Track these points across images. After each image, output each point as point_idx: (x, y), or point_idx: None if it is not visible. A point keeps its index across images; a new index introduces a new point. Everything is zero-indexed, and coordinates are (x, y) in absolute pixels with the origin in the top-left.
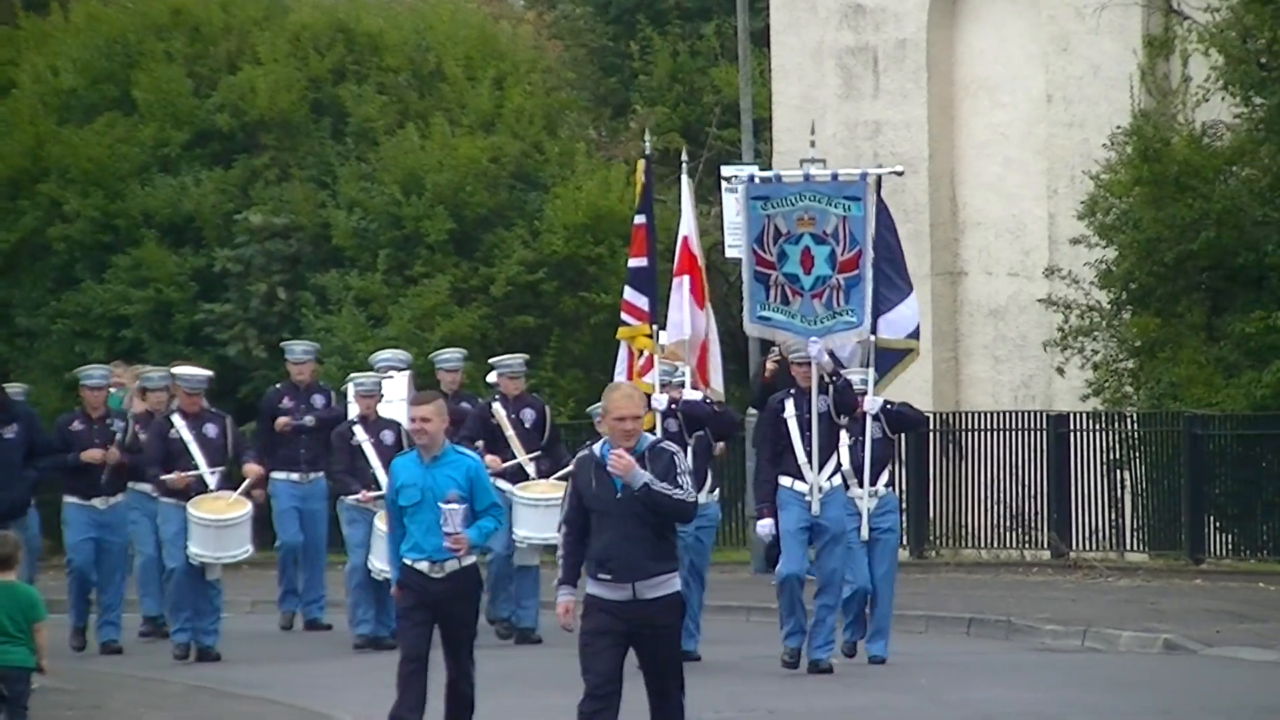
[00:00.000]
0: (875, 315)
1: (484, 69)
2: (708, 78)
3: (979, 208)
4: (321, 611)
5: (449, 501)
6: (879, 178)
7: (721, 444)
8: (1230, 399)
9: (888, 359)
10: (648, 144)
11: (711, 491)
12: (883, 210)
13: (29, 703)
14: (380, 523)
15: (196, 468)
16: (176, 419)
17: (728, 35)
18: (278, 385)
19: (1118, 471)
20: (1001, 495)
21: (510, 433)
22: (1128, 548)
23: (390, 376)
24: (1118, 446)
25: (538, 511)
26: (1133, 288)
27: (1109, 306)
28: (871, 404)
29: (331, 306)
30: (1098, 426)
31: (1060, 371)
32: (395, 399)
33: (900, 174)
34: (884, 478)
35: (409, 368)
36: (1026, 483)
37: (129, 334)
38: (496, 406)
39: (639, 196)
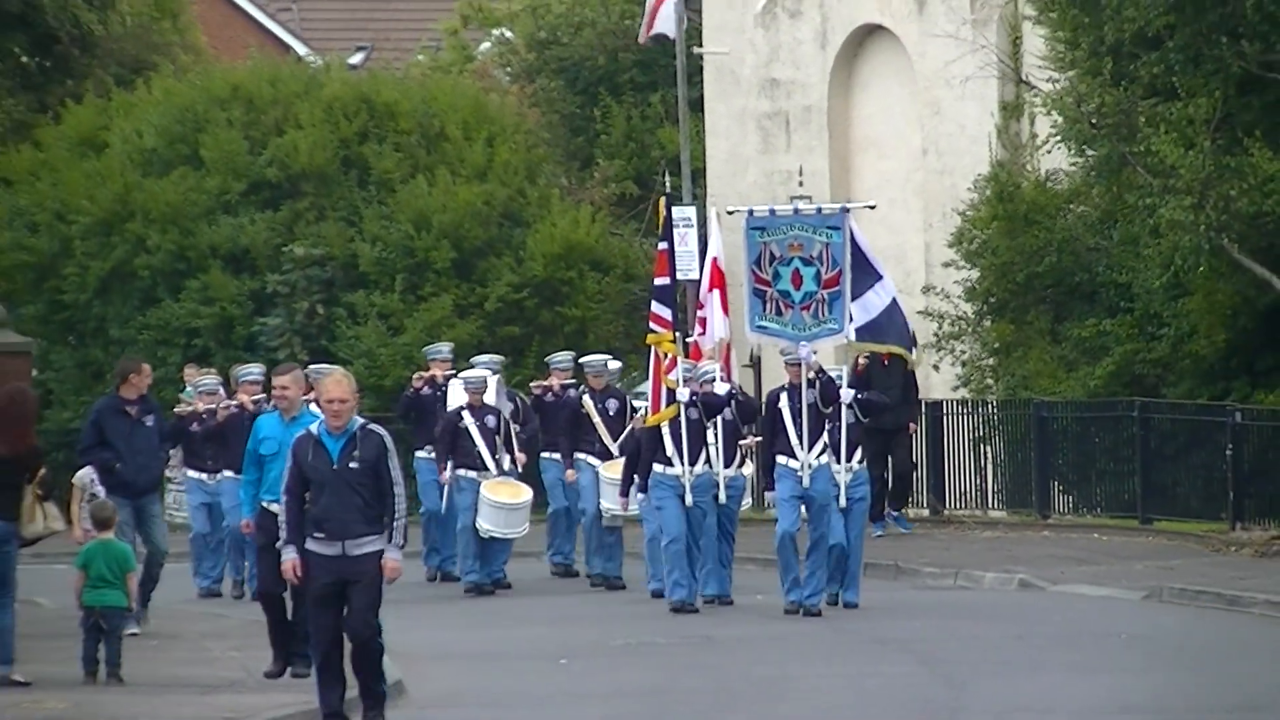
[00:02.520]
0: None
1: (478, 131)
2: (655, 137)
3: (870, 238)
4: (453, 565)
5: None
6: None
7: (750, 431)
8: (1070, 389)
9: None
10: (668, 185)
11: (740, 466)
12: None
13: (123, 635)
14: (485, 490)
15: None
16: (314, 408)
17: (670, 103)
18: (420, 383)
19: (982, 446)
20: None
21: (598, 420)
22: (990, 507)
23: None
24: (981, 426)
25: (616, 488)
26: (992, 301)
27: (973, 316)
28: (846, 395)
29: (359, 320)
30: (965, 411)
31: (936, 368)
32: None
33: (873, 208)
34: (857, 455)
35: (499, 371)
36: (910, 455)
37: (199, 342)
38: (586, 399)
39: (660, 227)
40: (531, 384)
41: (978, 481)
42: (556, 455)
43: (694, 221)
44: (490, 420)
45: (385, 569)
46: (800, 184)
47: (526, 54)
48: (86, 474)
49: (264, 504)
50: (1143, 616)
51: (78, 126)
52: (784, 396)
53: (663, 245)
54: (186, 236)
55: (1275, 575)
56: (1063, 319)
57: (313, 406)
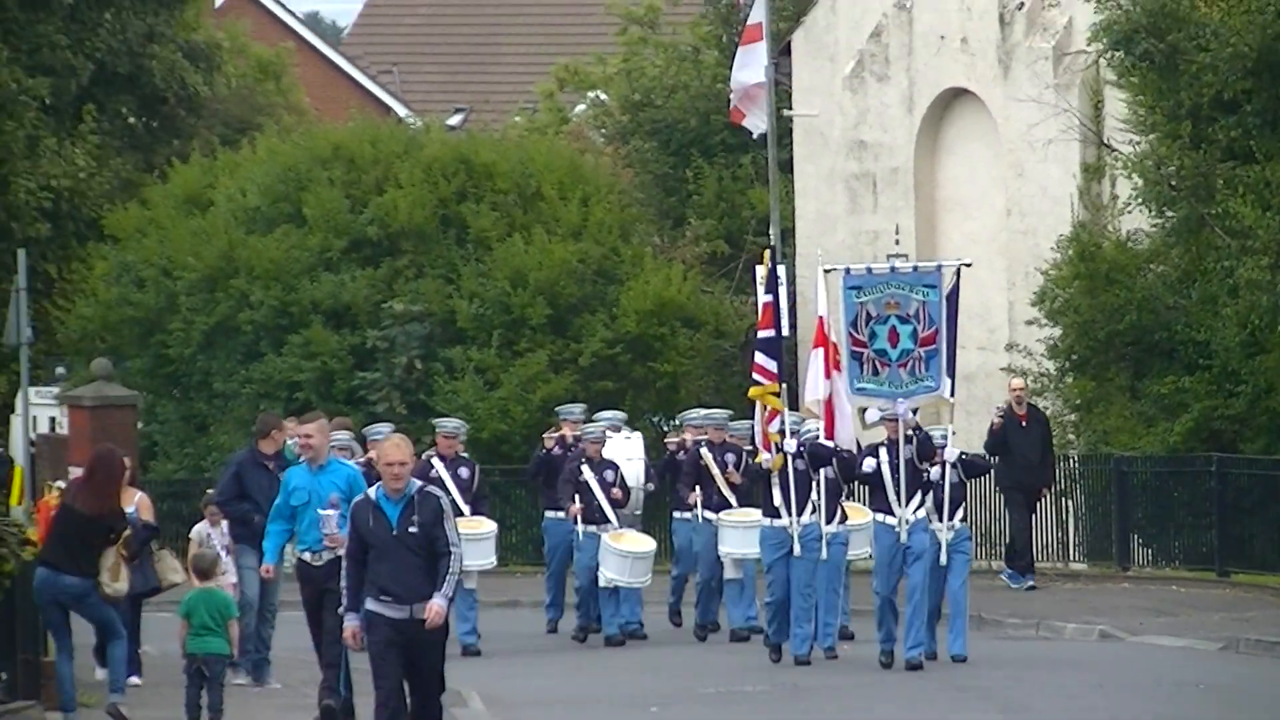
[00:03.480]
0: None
1: (573, 191)
2: (745, 197)
3: None
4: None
5: (327, 507)
6: (957, 270)
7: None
8: (1149, 444)
9: None
10: (772, 238)
11: (842, 522)
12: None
13: (224, 681)
14: (608, 539)
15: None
16: (436, 461)
17: (760, 164)
18: (551, 442)
19: (1063, 499)
20: (975, 518)
21: (716, 473)
22: (1071, 559)
23: (628, 437)
24: (1063, 480)
25: (739, 532)
26: (1073, 358)
27: (1055, 373)
28: (950, 454)
29: (457, 375)
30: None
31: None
32: (635, 456)
33: (969, 265)
34: (959, 514)
35: (631, 427)
36: (994, 508)
37: (301, 396)
38: (704, 451)
39: (765, 280)
40: (666, 440)
41: (1059, 534)
42: (688, 516)
43: (783, 280)
44: (609, 475)
45: (428, 612)
46: (897, 242)
47: (620, 116)
48: (203, 528)
49: (299, 555)
50: (1220, 667)
51: (184, 185)
52: (882, 452)
53: (767, 298)
54: (289, 292)
55: None
56: (1142, 376)
57: (340, 455)
